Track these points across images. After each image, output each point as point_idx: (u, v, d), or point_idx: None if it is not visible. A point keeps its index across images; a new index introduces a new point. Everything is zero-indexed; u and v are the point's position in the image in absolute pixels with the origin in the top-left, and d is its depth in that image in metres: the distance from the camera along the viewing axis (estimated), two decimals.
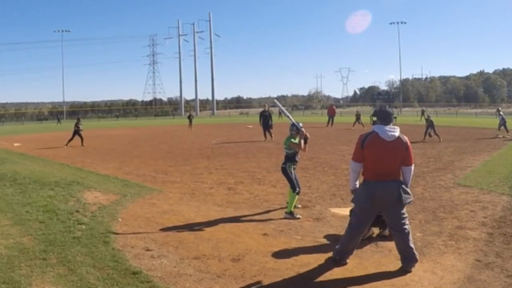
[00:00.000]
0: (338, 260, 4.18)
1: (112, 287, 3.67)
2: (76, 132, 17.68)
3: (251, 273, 3.98)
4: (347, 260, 4.19)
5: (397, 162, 3.99)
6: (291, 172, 6.14)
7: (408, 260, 4.01)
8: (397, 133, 3.97)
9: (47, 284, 3.73)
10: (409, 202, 4.05)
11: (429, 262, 4.19)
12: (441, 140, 16.95)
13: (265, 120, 18.34)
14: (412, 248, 4.04)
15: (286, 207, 6.06)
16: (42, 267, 4.08)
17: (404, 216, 4.09)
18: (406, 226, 4.07)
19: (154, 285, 3.71)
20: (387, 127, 3.97)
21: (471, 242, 4.78)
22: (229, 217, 6.03)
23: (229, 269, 4.09)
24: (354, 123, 27.48)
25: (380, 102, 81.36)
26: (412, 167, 4.08)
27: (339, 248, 4.23)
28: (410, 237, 4.09)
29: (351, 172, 4.22)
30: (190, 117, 29.09)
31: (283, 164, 6.22)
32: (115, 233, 5.20)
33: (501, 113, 20.20)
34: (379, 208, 4.12)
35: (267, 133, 18.33)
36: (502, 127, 19.46)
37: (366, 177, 4.08)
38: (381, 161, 3.96)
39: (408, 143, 4.03)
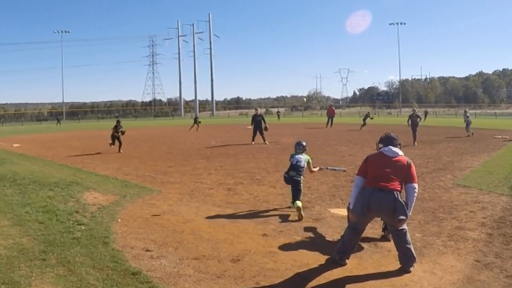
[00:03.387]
0: (338, 260, 4.20)
1: None
2: (115, 137, 15.33)
3: (250, 273, 3.99)
4: (346, 261, 4.20)
5: (398, 173, 4.08)
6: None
7: (406, 260, 4.03)
8: (400, 153, 4.22)
9: (47, 284, 3.73)
10: (400, 220, 3.98)
11: (429, 263, 4.19)
12: (415, 144, 15.99)
13: (257, 124, 17.75)
14: (410, 248, 4.06)
15: (293, 207, 6.12)
16: (41, 268, 4.08)
17: None
18: (403, 227, 4.09)
19: (154, 285, 3.71)
20: (391, 147, 4.25)
21: (470, 242, 4.78)
22: (228, 217, 6.03)
23: (229, 269, 4.09)
24: (362, 126, 26.34)
25: (380, 103, 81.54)
26: (416, 186, 4.11)
27: (339, 247, 4.27)
28: (408, 238, 4.10)
29: (354, 188, 4.33)
30: (196, 120, 29.80)
31: (298, 176, 6.26)
32: (114, 234, 5.20)
33: (468, 114, 21.76)
34: (374, 216, 4.24)
35: (261, 137, 17.68)
36: (468, 127, 20.74)
37: (366, 185, 4.18)
38: (381, 167, 4.12)
39: (412, 163, 4.20)
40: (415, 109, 19.58)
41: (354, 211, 4.22)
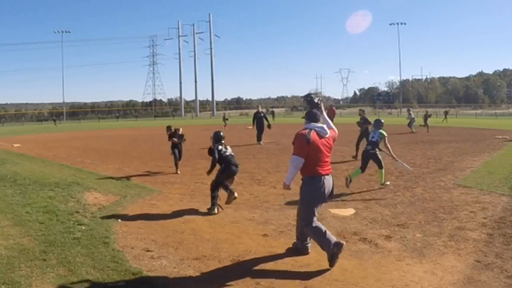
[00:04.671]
0: (336, 255, 4.11)
1: None
2: (174, 146, 10.69)
3: (251, 274, 3.98)
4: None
5: (330, 152, 4.33)
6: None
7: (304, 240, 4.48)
8: (328, 131, 4.33)
9: (47, 285, 3.73)
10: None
11: (429, 263, 4.19)
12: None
13: (259, 121, 17.41)
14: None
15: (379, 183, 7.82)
16: (42, 268, 4.08)
17: None
18: None
19: (154, 286, 3.71)
20: (320, 125, 4.32)
21: (471, 243, 4.78)
22: (229, 218, 6.03)
23: (229, 270, 4.09)
24: (426, 125, 23.38)
25: (380, 103, 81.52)
26: None
27: (327, 245, 4.17)
28: None
29: (293, 169, 4.25)
30: (225, 117, 32.34)
31: (373, 149, 7.86)
32: (115, 234, 5.20)
33: (411, 113, 23.96)
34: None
35: (259, 135, 17.42)
36: (411, 125, 22.59)
37: (312, 173, 4.22)
38: (321, 152, 4.22)
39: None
40: (362, 109, 13.78)
41: (316, 202, 4.26)
